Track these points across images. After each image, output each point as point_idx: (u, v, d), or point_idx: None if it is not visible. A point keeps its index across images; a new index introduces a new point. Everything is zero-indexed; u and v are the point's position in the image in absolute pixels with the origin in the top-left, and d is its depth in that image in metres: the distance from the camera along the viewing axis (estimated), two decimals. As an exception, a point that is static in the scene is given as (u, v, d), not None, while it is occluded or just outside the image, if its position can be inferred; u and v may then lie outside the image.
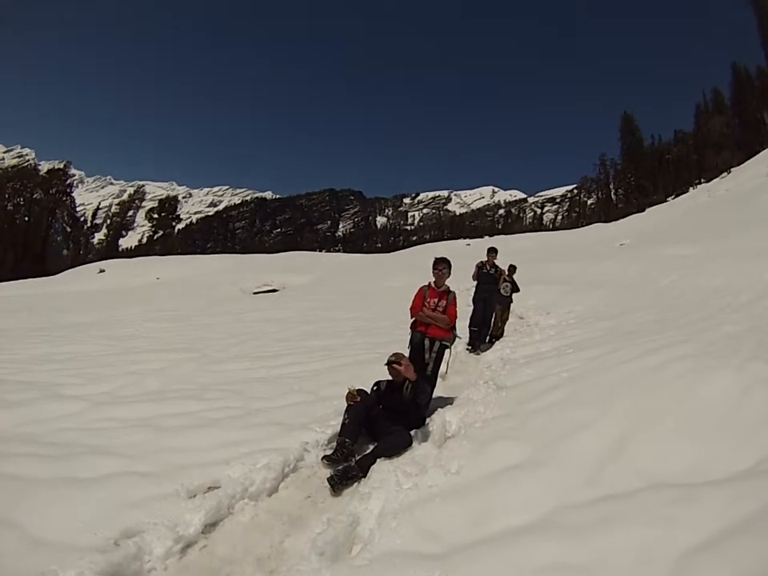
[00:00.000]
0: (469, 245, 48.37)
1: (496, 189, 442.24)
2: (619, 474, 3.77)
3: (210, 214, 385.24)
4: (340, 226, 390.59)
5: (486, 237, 63.04)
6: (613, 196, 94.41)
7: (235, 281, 32.44)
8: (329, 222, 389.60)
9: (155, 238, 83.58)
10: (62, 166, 78.45)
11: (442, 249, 39.06)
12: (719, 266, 14.52)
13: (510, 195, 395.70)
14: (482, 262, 11.49)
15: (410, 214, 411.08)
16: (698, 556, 2.65)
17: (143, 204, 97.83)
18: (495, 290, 11.46)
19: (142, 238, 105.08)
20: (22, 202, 71.37)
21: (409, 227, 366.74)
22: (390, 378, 5.68)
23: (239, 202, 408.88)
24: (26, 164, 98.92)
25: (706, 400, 4.56)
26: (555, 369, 6.84)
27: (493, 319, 11.69)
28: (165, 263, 46.69)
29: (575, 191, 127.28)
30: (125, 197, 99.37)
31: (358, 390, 5.42)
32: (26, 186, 71.37)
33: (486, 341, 11.38)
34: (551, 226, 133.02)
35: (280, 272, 35.71)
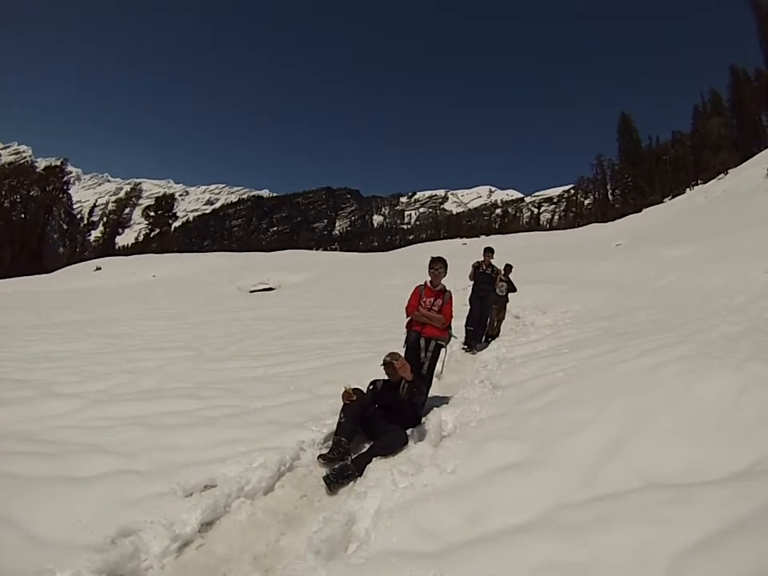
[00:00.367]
0: (465, 244, 48.32)
1: (493, 188, 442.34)
2: (616, 474, 3.79)
3: (207, 212, 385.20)
4: (337, 224, 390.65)
5: (483, 236, 63.00)
6: (610, 196, 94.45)
7: (232, 279, 32.37)
8: (325, 220, 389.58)
9: (152, 235, 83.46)
10: (58, 163, 78.30)
11: (438, 248, 39.07)
12: (716, 267, 14.55)
13: (507, 195, 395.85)
14: (478, 261, 11.50)
15: (406, 212, 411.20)
16: (695, 556, 2.67)
17: (140, 202, 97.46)
18: (491, 290, 11.46)
19: (138, 235, 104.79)
20: (18, 200, 71.25)
21: (405, 226, 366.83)
22: (387, 377, 5.69)
23: (236, 200, 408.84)
24: (22, 161, 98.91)
25: (703, 400, 4.58)
26: (551, 368, 6.87)
27: (489, 318, 11.70)
28: (161, 261, 46.58)
29: (572, 191, 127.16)
30: (121, 194, 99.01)
31: (354, 389, 5.43)
32: (22, 183, 71.24)
33: (482, 340, 11.39)
34: (548, 225, 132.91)
35: (277, 270, 35.62)
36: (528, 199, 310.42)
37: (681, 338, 7.06)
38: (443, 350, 6.63)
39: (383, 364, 5.61)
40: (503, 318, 12.26)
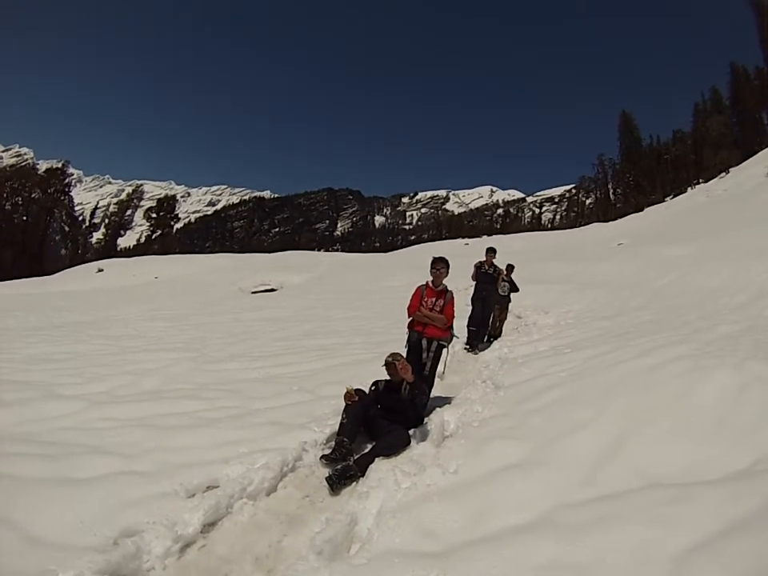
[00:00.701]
0: (467, 244, 48.35)
1: (494, 188, 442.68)
2: (617, 474, 3.79)
3: (209, 213, 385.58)
4: (338, 225, 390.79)
5: (485, 236, 62.97)
6: (611, 196, 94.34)
7: (233, 280, 32.37)
8: (327, 221, 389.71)
9: (153, 237, 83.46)
10: (60, 165, 78.34)
11: (440, 248, 39.08)
12: (716, 267, 14.55)
13: (509, 195, 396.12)
14: (480, 261, 11.48)
15: (408, 213, 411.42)
16: (695, 556, 2.67)
17: (141, 203, 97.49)
18: (493, 290, 11.45)
19: (140, 237, 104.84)
20: (20, 202, 71.26)
21: (407, 226, 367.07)
22: (389, 377, 5.68)
23: (237, 201, 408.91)
24: (24, 163, 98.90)
25: (704, 399, 4.58)
26: (553, 368, 6.87)
27: (491, 319, 11.69)
28: (163, 262, 46.58)
29: (573, 191, 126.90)
30: (123, 196, 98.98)
31: (356, 390, 5.43)
32: (24, 185, 71.26)
33: (484, 340, 11.38)
34: (549, 225, 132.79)
35: (278, 271, 35.63)
36: (529, 199, 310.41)
37: (681, 337, 7.06)
38: (445, 350, 6.62)
39: (385, 364, 5.61)
40: (505, 318, 12.25)
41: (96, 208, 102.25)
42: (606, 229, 48.19)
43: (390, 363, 5.54)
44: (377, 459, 4.68)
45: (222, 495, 3.85)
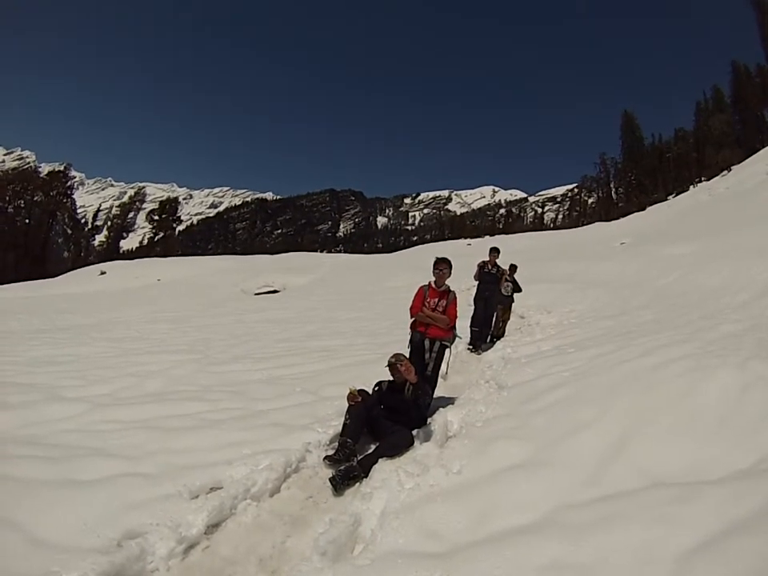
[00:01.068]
0: (470, 244, 48.32)
1: (496, 188, 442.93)
2: (620, 473, 3.78)
3: (211, 215, 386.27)
4: (341, 226, 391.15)
5: (487, 236, 62.94)
6: (613, 195, 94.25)
7: (236, 282, 32.42)
8: (329, 222, 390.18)
9: (156, 239, 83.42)
10: (62, 168, 78.24)
11: (442, 249, 39.07)
12: (719, 265, 14.51)
13: (511, 195, 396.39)
14: (483, 261, 11.46)
15: (410, 214, 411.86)
16: (698, 555, 2.67)
17: (144, 206, 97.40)
18: (496, 290, 11.44)
19: (142, 239, 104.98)
20: (22, 205, 71.23)
21: (409, 227, 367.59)
22: (392, 378, 5.68)
23: (240, 203, 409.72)
24: (26, 166, 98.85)
25: (707, 398, 4.58)
26: (556, 368, 6.86)
27: (494, 319, 11.68)
28: (166, 265, 46.61)
29: (576, 190, 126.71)
30: (125, 198, 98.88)
31: (359, 390, 5.42)
32: (26, 188, 71.24)
33: (488, 340, 11.36)
34: (552, 225, 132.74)
35: (281, 273, 35.66)
36: (532, 199, 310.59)
37: (684, 336, 7.05)
38: (448, 350, 6.62)
39: (388, 365, 5.60)
40: (508, 319, 12.24)
41: (98, 210, 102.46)
42: (608, 228, 48.14)
43: (393, 364, 5.54)
44: (380, 460, 4.68)
45: (226, 496, 3.86)
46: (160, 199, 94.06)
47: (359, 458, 4.77)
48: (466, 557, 3.05)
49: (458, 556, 3.07)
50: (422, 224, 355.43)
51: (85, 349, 10.00)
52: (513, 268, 12.35)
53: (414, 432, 5.27)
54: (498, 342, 10.94)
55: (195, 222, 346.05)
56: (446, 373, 7.10)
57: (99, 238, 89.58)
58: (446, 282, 6.64)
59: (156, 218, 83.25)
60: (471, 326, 10.92)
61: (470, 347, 10.57)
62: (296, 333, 12.63)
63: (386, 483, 4.13)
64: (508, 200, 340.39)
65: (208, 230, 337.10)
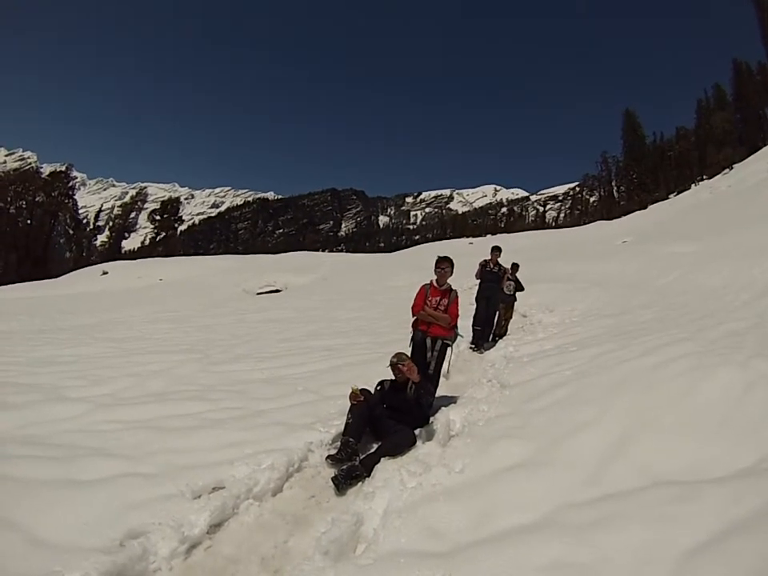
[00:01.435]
0: (471, 243, 48.35)
1: (498, 187, 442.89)
2: (621, 473, 3.78)
3: (213, 215, 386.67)
4: (342, 225, 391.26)
5: (489, 235, 62.97)
6: (615, 193, 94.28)
7: (238, 281, 32.45)
8: (331, 221, 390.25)
9: (158, 239, 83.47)
10: (63, 168, 78.26)
11: (444, 248, 39.12)
12: (720, 264, 14.51)
13: (513, 193, 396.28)
14: (485, 260, 11.45)
15: (412, 213, 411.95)
16: (700, 555, 2.67)
17: (145, 206, 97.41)
18: (498, 289, 11.43)
19: (144, 239, 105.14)
20: (24, 206, 71.25)
21: (411, 226, 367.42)
22: (394, 377, 5.67)
23: (241, 202, 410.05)
24: (27, 167, 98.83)
25: (708, 397, 4.58)
26: (558, 367, 6.86)
27: (496, 318, 11.68)
28: (167, 265, 46.67)
29: (577, 189, 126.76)
30: (127, 199, 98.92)
31: (362, 390, 5.42)
32: (27, 189, 71.25)
33: (490, 339, 11.37)
34: (554, 223, 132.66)
35: (283, 272, 35.72)
36: (533, 197, 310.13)
37: (686, 335, 7.04)
38: (449, 349, 6.64)
39: (390, 365, 5.60)
40: (511, 317, 12.24)
41: (100, 211, 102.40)
42: (610, 227, 48.19)
43: (395, 363, 5.55)
44: (382, 459, 4.68)
45: (228, 496, 3.86)
46: (162, 199, 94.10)
47: (361, 458, 4.77)
48: (467, 556, 3.05)
49: (460, 555, 3.07)
50: (423, 223, 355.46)
51: (86, 349, 9.99)
52: (515, 267, 12.36)
53: (417, 431, 5.29)
54: (500, 340, 10.95)
55: (197, 221, 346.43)
56: (448, 372, 7.10)
57: (101, 239, 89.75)
58: (448, 281, 6.64)
59: (158, 218, 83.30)
60: (473, 325, 10.92)
61: (472, 346, 10.57)
62: (298, 332, 12.63)
63: (388, 482, 4.13)
64: (510, 199, 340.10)
65: (210, 229, 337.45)
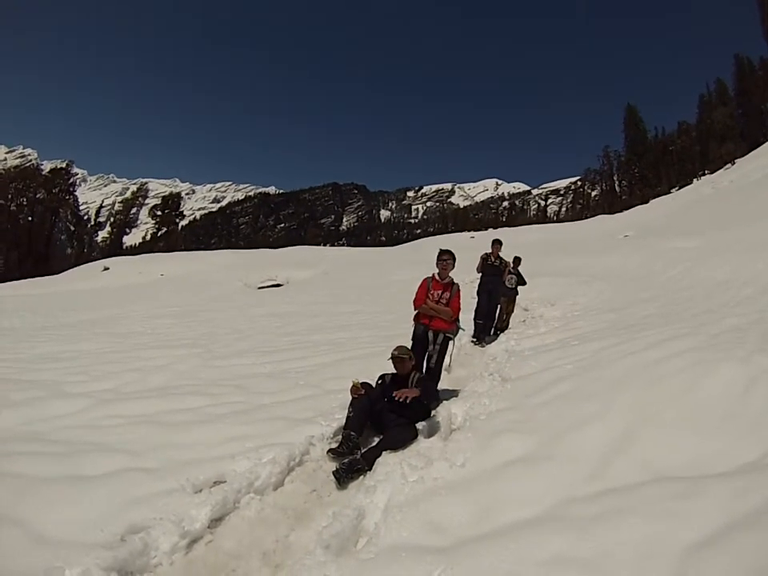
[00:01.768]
0: (473, 237, 48.26)
1: (500, 181, 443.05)
2: (623, 468, 3.77)
3: (214, 210, 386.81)
4: (344, 220, 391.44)
5: (490, 229, 62.91)
6: (617, 188, 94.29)
7: (239, 276, 32.47)
8: (332, 216, 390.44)
9: (159, 235, 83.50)
10: (64, 165, 78.33)
11: (445, 242, 39.13)
12: (723, 259, 14.50)
13: (514, 187, 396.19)
14: (486, 253, 11.43)
15: (413, 207, 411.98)
16: (702, 550, 2.66)
17: (146, 201, 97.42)
18: (500, 282, 11.41)
19: (145, 235, 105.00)
20: (24, 203, 71.33)
21: (413, 220, 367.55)
22: (395, 371, 5.66)
23: (242, 197, 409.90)
24: (28, 164, 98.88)
25: (710, 392, 4.57)
26: (560, 361, 6.84)
27: (498, 311, 11.67)
28: (169, 260, 46.67)
29: (579, 183, 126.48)
30: (128, 194, 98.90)
31: (363, 383, 5.42)
32: (28, 186, 71.31)
33: (491, 333, 11.36)
34: (555, 218, 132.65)
35: (284, 267, 35.75)
36: (535, 191, 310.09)
37: (688, 329, 7.03)
38: (451, 342, 6.63)
39: (391, 358, 5.59)
40: (512, 311, 12.23)
41: (101, 207, 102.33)
42: (611, 221, 48.15)
43: (397, 356, 5.54)
44: (384, 453, 4.68)
45: (229, 490, 3.85)
46: (162, 195, 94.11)
47: (363, 451, 4.77)
48: (469, 550, 3.04)
49: (462, 550, 3.07)
50: (425, 217, 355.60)
51: (88, 345, 10.00)
52: (517, 260, 12.34)
53: (418, 425, 5.27)
54: (502, 334, 10.91)
55: (198, 216, 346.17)
56: (450, 365, 7.11)
57: (102, 235, 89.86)
58: (450, 275, 6.63)
59: (159, 213, 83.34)
60: (475, 319, 10.91)
61: (474, 340, 10.57)
62: (300, 326, 12.64)
63: (389, 476, 4.13)
64: (511, 193, 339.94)
65: (211, 224, 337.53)
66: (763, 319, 7.08)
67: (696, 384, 4.74)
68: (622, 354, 6.29)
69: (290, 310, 16.53)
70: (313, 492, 4.25)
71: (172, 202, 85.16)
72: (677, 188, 62.22)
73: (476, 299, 11.24)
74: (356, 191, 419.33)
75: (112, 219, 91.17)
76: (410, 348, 5.92)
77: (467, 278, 12.85)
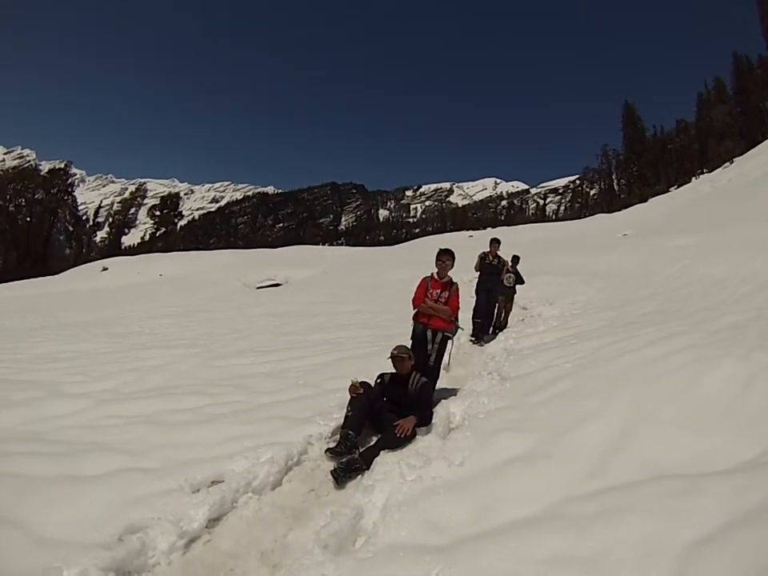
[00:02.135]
0: (472, 236, 48.25)
1: (498, 180, 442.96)
2: (623, 466, 3.77)
3: (212, 209, 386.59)
4: (342, 219, 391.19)
5: (489, 228, 62.91)
6: (615, 186, 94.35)
7: (238, 276, 32.48)
8: (331, 215, 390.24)
9: (158, 235, 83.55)
10: (62, 165, 78.38)
11: (444, 241, 39.10)
12: (721, 257, 14.48)
13: (513, 186, 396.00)
14: (484, 252, 11.43)
15: (412, 206, 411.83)
16: (702, 548, 2.65)
17: (145, 201, 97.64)
18: (498, 281, 11.40)
19: (144, 235, 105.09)
20: (23, 203, 71.36)
21: (411, 220, 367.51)
22: (394, 370, 5.66)
23: (241, 197, 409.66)
24: (26, 165, 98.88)
25: (709, 390, 4.56)
26: (559, 359, 6.85)
27: (496, 310, 11.67)
28: (168, 260, 46.73)
29: (578, 182, 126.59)
30: (126, 195, 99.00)
31: (362, 383, 5.41)
32: (27, 186, 71.33)
33: (490, 332, 11.35)
34: (554, 216, 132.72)
35: (283, 266, 35.76)
36: (533, 190, 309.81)
37: (687, 327, 7.03)
38: (450, 341, 6.62)
39: (390, 357, 5.59)
40: (510, 310, 12.24)
41: (99, 207, 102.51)
42: (610, 220, 48.14)
43: (396, 356, 5.53)
44: (382, 452, 4.68)
45: (227, 490, 3.85)
46: (161, 195, 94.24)
47: (361, 451, 4.76)
48: (468, 550, 3.04)
49: (461, 549, 3.06)
50: (423, 216, 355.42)
51: (87, 345, 10.00)
52: (515, 259, 12.36)
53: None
54: (501, 333, 10.94)
55: (197, 216, 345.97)
56: (449, 364, 7.10)
57: (101, 235, 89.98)
58: (449, 274, 6.63)
59: (157, 213, 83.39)
60: (473, 318, 10.90)
61: (473, 339, 10.55)
62: (299, 326, 12.64)
63: (387, 476, 4.12)
64: (510, 192, 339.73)
65: (209, 224, 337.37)
66: (761, 316, 7.07)
67: (695, 381, 4.74)
68: (620, 352, 6.29)
69: (288, 310, 16.53)
70: (311, 491, 4.25)
71: (171, 202, 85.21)
72: (675, 186, 62.23)
73: (474, 298, 11.24)
74: (354, 191, 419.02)
75: (111, 219, 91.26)
76: (409, 347, 5.92)
77: (466, 277, 12.84)
